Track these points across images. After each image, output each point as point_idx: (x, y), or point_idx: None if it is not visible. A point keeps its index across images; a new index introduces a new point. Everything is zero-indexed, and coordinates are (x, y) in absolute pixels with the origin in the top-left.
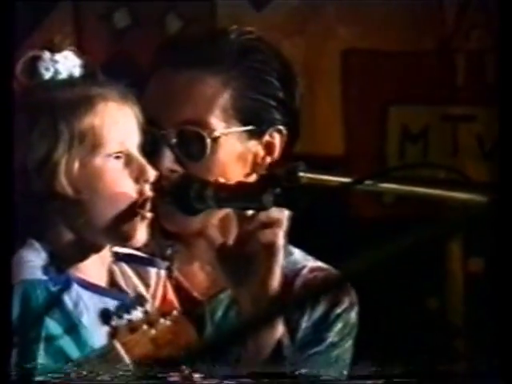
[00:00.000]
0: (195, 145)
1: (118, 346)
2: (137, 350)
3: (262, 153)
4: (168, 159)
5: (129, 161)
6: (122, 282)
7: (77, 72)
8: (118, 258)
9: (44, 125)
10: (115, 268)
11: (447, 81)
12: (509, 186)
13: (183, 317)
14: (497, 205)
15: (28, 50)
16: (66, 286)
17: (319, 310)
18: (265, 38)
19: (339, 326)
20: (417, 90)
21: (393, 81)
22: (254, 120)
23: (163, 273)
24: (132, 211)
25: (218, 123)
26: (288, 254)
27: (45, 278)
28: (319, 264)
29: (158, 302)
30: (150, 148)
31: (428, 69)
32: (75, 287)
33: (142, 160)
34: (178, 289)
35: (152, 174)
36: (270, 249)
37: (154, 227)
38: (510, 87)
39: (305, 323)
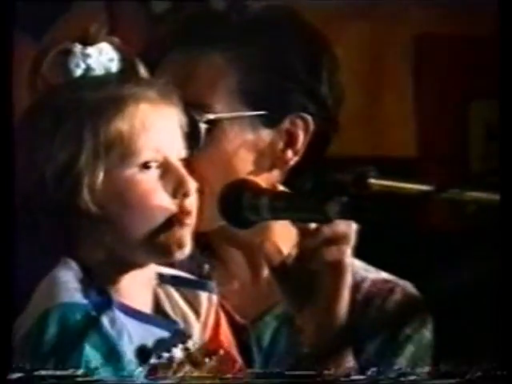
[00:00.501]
0: (191, 131)
1: None
2: None
3: (280, 143)
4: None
5: (165, 171)
6: (168, 309)
7: (113, 67)
8: (164, 280)
9: (67, 130)
10: (160, 292)
11: None
12: None
13: (232, 354)
14: None
15: (56, 41)
16: (108, 311)
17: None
18: (290, 7)
19: (410, 349)
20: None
21: (475, 71)
22: (267, 105)
23: (215, 298)
24: (170, 224)
25: (221, 107)
26: None
27: (85, 301)
28: (382, 275)
29: (209, 332)
30: None
31: None
32: (117, 313)
33: (182, 170)
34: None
35: (193, 186)
36: (336, 268)
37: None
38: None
39: (369, 346)
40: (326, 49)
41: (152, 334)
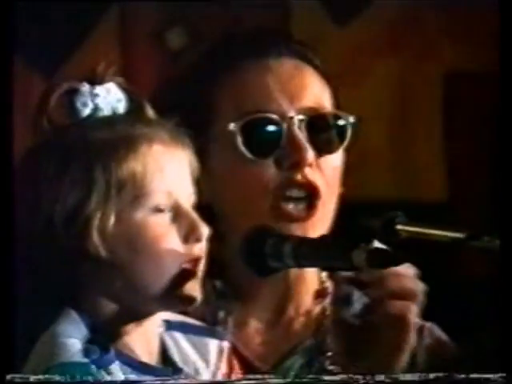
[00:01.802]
0: (334, 132)
1: None
2: None
3: None
4: (308, 146)
5: (177, 215)
6: (176, 357)
7: (120, 108)
8: (171, 327)
9: (76, 171)
10: (168, 339)
11: None
12: None
13: None
14: None
15: (65, 79)
16: (112, 368)
17: None
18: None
19: None
20: None
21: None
22: None
23: (226, 345)
24: (181, 272)
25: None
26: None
27: (86, 360)
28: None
29: (220, 381)
30: (275, 142)
31: None
32: (122, 368)
33: (194, 214)
34: (235, 358)
35: (205, 231)
36: (399, 323)
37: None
38: None
39: None
40: None
41: None
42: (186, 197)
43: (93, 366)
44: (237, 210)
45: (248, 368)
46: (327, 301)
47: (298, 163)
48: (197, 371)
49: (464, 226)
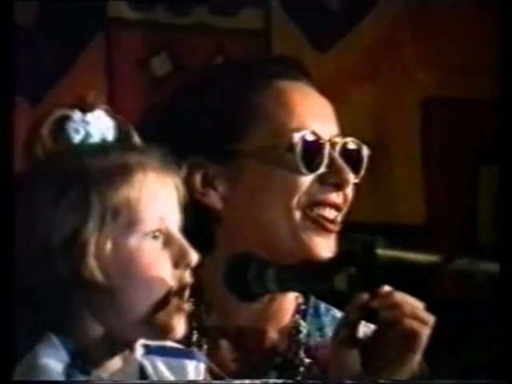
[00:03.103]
0: (357, 158)
1: None
2: None
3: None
4: (349, 171)
5: (168, 241)
6: (154, 380)
7: (110, 135)
8: (150, 351)
9: (72, 197)
10: (146, 363)
11: None
12: None
13: None
14: None
15: (55, 107)
16: None
17: None
18: None
19: None
20: None
21: (484, 135)
22: None
23: (203, 366)
24: (169, 301)
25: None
26: (332, 319)
27: None
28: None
29: None
30: (319, 160)
31: None
32: None
33: (184, 241)
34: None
35: (194, 257)
36: (413, 341)
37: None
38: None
39: None
40: None
41: None
42: (176, 223)
43: None
44: (259, 227)
45: None
46: (299, 317)
47: (341, 184)
48: None
49: (441, 249)
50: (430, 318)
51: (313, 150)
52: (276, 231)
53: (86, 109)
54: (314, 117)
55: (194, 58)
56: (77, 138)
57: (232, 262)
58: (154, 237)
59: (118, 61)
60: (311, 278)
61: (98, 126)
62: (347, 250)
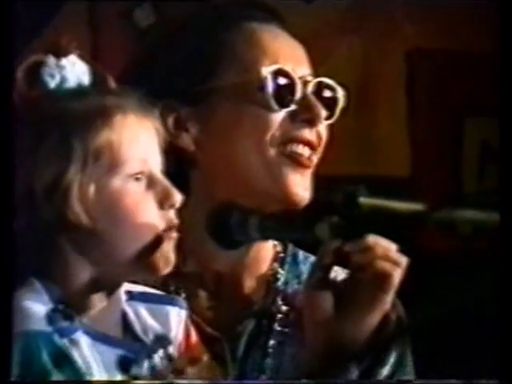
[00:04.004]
0: (331, 97)
1: None
2: None
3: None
4: (321, 108)
5: (152, 183)
6: (137, 328)
7: (85, 80)
8: (132, 297)
9: (53, 141)
10: (129, 310)
11: None
12: None
13: (213, 362)
14: None
15: (30, 54)
16: (75, 338)
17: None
18: None
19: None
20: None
21: (469, 87)
22: None
23: (184, 313)
24: (157, 239)
25: None
26: (310, 267)
27: (49, 329)
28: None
29: (180, 348)
30: (291, 95)
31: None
32: (85, 339)
33: (167, 182)
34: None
35: (178, 197)
36: (384, 283)
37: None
38: None
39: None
40: None
41: (120, 358)
42: (158, 165)
43: (56, 335)
44: (234, 166)
45: (201, 334)
46: (277, 264)
47: (313, 120)
48: (156, 340)
49: (426, 200)
50: (403, 260)
51: (284, 86)
52: (250, 169)
53: (59, 54)
54: (285, 57)
55: (177, 8)
56: (52, 83)
57: (215, 210)
58: (137, 179)
59: (101, 13)
60: (293, 226)
61: (73, 70)
62: (329, 199)
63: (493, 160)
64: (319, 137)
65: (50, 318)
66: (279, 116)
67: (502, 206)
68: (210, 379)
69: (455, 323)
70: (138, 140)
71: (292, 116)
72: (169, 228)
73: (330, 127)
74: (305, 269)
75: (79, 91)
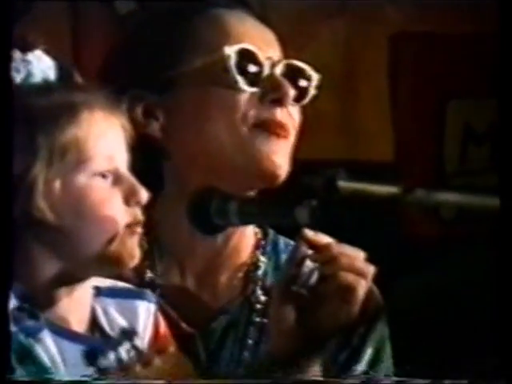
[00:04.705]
0: (302, 80)
1: None
2: None
3: None
4: (289, 87)
5: (118, 180)
6: (104, 324)
7: (51, 75)
8: (100, 293)
9: (18, 137)
10: (97, 306)
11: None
12: None
13: (181, 354)
14: None
15: None
16: (41, 336)
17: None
18: None
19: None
20: (481, 81)
21: (452, 71)
22: None
23: (153, 307)
24: (121, 235)
25: None
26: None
27: (14, 328)
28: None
29: (149, 342)
30: (258, 75)
31: (495, 55)
32: (51, 336)
33: (133, 179)
34: (165, 320)
35: (144, 195)
36: (348, 296)
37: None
38: None
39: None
40: None
41: (87, 351)
42: (124, 162)
43: (21, 335)
44: (207, 150)
45: (175, 329)
46: (259, 252)
47: (281, 99)
48: (124, 335)
49: (407, 184)
50: (369, 269)
51: (249, 65)
52: (224, 151)
53: (25, 48)
54: (251, 39)
55: None
56: (18, 78)
57: (195, 196)
58: (103, 176)
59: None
60: (273, 211)
61: (39, 65)
62: (309, 183)
63: (476, 143)
64: (291, 118)
65: (15, 317)
66: (247, 96)
67: (501, 191)
68: (179, 372)
69: (440, 308)
70: (104, 137)
71: (260, 96)
72: (134, 224)
73: (312, 111)
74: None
75: (45, 86)
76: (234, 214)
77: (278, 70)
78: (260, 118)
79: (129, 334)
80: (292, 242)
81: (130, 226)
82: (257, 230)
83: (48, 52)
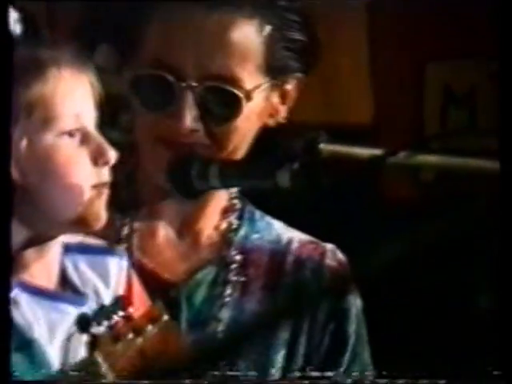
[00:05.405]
0: (227, 106)
1: (100, 358)
2: (122, 363)
3: (277, 103)
4: (190, 117)
5: (85, 139)
6: (76, 280)
7: (17, 29)
8: (70, 249)
9: None
10: (68, 263)
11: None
12: None
13: (174, 323)
14: None
15: None
16: (13, 296)
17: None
18: None
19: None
20: (460, 42)
21: (431, 33)
22: (279, 71)
23: (125, 263)
24: (88, 196)
25: (250, 80)
26: (267, 225)
27: None
28: (307, 237)
29: (122, 299)
30: (166, 100)
31: (474, 15)
32: (24, 296)
33: (101, 139)
34: (143, 274)
35: (113, 155)
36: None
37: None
38: None
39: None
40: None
41: (60, 312)
42: (92, 121)
43: None
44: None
45: (154, 281)
46: (234, 216)
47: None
48: (96, 292)
49: (386, 146)
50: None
51: (157, 89)
52: None
53: None
54: (182, 55)
55: None
56: None
57: (175, 159)
58: (71, 135)
59: None
60: (254, 174)
61: None
62: (290, 146)
63: (455, 104)
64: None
65: None
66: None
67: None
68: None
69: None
70: (72, 95)
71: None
72: (101, 185)
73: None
74: (262, 225)
75: (14, 42)
76: (215, 177)
77: (196, 94)
78: None
79: (100, 295)
80: (266, 215)
81: (96, 187)
82: (235, 200)
83: (16, 5)
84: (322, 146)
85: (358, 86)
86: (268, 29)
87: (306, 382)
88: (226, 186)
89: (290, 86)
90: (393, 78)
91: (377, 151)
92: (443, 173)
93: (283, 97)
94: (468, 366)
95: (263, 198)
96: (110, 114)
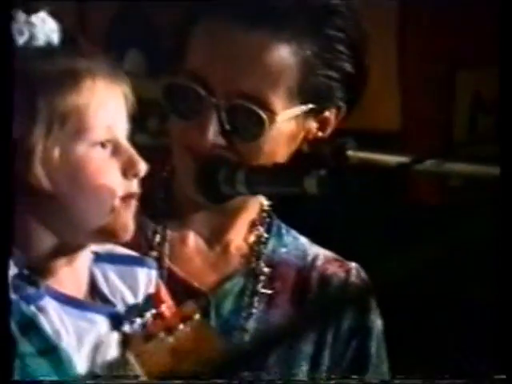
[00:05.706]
0: (251, 125)
1: (132, 358)
2: (153, 362)
3: (314, 129)
4: (214, 131)
5: (117, 150)
6: (105, 290)
7: (55, 39)
8: (100, 259)
9: (18, 102)
10: (97, 272)
11: None
12: None
13: (206, 321)
14: None
15: None
16: (42, 304)
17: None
18: None
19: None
20: (492, 49)
21: (461, 40)
22: (316, 98)
23: (154, 273)
24: (117, 205)
25: (279, 104)
26: (293, 240)
27: (15, 297)
28: (332, 254)
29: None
30: (195, 111)
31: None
32: (52, 304)
33: (132, 150)
34: (174, 282)
35: (143, 167)
36: None
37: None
38: None
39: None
40: (366, 38)
41: (88, 320)
42: (124, 132)
43: (23, 303)
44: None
45: (184, 289)
46: (262, 229)
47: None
48: (125, 302)
49: (415, 153)
50: None
51: (188, 99)
52: None
53: (29, 10)
54: (215, 71)
55: None
56: (21, 40)
57: (203, 164)
58: (102, 145)
59: None
60: (281, 180)
61: (43, 28)
62: (317, 152)
63: (485, 111)
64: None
65: (15, 285)
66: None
67: (502, 159)
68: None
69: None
70: (105, 106)
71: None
72: (129, 196)
73: None
74: (288, 240)
75: (49, 50)
76: (242, 182)
77: (222, 112)
78: None
79: (129, 302)
80: (294, 231)
81: (125, 199)
82: (264, 213)
83: (52, 15)
84: (349, 152)
85: (387, 93)
86: (306, 54)
87: None
88: (252, 191)
89: (329, 114)
90: (422, 85)
91: (405, 158)
92: (471, 179)
93: (322, 123)
94: (478, 372)
95: (290, 204)
96: (139, 118)
